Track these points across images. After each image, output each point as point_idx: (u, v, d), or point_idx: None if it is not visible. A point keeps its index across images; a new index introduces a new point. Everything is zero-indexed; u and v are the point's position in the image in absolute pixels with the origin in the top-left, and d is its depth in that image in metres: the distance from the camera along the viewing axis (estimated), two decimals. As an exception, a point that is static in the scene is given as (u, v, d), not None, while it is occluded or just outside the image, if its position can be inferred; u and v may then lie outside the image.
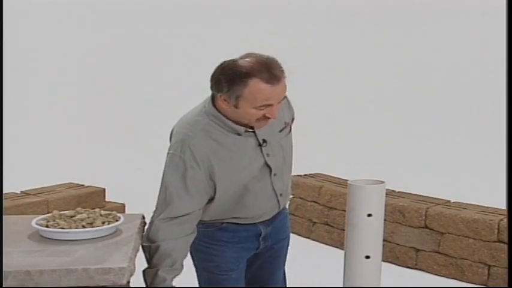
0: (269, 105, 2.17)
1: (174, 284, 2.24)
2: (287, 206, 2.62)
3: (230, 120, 2.24)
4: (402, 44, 8.59)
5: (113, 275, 1.87)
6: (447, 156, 7.41)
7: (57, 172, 5.90)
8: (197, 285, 2.50)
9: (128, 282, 1.94)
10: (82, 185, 5.14)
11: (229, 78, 2.16)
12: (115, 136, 7.48)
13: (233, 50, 2.40)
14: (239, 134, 2.27)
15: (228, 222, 2.37)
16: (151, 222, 2.26)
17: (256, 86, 2.13)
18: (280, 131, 2.38)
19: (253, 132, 2.29)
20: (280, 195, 2.40)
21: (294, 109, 2.52)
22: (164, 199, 2.25)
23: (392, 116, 8.16)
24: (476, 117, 7.92)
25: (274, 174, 2.35)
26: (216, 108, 2.25)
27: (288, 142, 2.45)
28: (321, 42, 8.74)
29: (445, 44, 8.49)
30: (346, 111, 8.29)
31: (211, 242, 2.38)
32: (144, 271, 2.25)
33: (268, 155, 2.33)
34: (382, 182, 2.52)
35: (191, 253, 2.44)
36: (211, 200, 2.30)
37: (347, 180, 2.59)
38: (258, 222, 2.41)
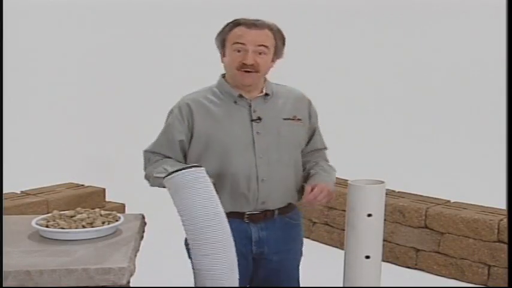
0: (242, 45, 2.34)
1: None
2: (297, 212, 2.58)
3: (229, 85, 2.43)
4: (402, 44, 8.58)
5: (112, 275, 1.87)
6: (447, 156, 7.40)
7: (57, 172, 5.89)
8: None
9: (128, 282, 1.94)
10: (82, 185, 5.14)
11: (223, 27, 2.44)
12: (115, 136, 7.46)
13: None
14: (235, 102, 2.41)
15: None
16: (144, 151, 2.60)
17: (239, 30, 2.38)
18: (285, 119, 2.45)
19: (250, 106, 2.40)
20: (262, 180, 2.38)
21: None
22: (159, 137, 2.51)
23: (392, 116, 8.15)
24: (476, 117, 7.91)
25: (260, 157, 2.37)
26: (223, 78, 2.48)
27: (291, 134, 2.47)
28: (321, 42, 8.73)
29: (445, 44, 8.48)
30: (346, 111, 8.27)
31: None
32: (154, 177, 2.42)
33: (258, 133, 2.38)
34: (382, 182, 2.52)
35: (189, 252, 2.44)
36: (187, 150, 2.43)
37: (347, 180, 2.59)
38: (247, 219, 2.39)
